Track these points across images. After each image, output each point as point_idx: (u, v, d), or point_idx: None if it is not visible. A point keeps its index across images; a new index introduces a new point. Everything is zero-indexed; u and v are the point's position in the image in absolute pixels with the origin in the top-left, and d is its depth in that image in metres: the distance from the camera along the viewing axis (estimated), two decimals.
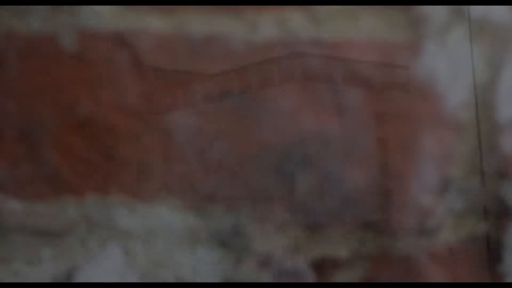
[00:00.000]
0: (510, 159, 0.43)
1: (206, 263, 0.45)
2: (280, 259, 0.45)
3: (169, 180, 0.44)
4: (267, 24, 0.42)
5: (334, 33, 0.42)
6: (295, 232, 0.45)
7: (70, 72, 0.43)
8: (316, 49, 0.42)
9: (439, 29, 0.42)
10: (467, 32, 0.42)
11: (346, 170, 0.43)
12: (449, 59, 0.42)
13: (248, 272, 0.45)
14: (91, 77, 0.43)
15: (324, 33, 0.42)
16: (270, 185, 0.43)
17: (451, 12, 0.41)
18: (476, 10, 0.41)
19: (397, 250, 0.45)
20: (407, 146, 0.43)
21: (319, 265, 0.46)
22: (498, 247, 0.45)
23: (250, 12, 0.42)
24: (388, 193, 0.43)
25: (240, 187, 0.44)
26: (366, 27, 0.42)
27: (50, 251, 0.45)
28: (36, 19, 0.42)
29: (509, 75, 0.42)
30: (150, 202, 0.44)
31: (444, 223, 0.45)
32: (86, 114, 0.43)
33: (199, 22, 0.42)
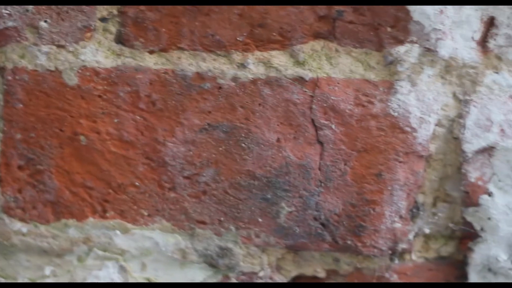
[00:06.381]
0: (474, 187, 0.46)
1: (195, 281, 0.49)
2: (263, 277, 0.48)
3: (161, 205, 0.47)
4: (254, 63, 0.45)
5: (315, 71, 0.45)
6: (278, 253, 0.48)
7: (71, 105, 0.46)
8: (298, 86, 0.45)
9: (411, 69, 0.45)
10: (436, 72, 0.45)
11: (324, 197, 0.46)
12: (420, 96, 0.45)
13: None
14: (91, 110, 0.46)
15: (306, 71, 0.45)
16: (255, 210, 0.47)
17: (421, 54, 0.44)
18: (444, 51, 0.44)
19: (370, 270, 0.48)
20: (381, 175, 0.46)
21: (299, 283, 0.49)
22: (463, 266, 0.48)
23: (238, 52, 0.45)
24: (363, 218, 0.46)
25: (227, 212, 0.47)
26: (345, 66, 0.45)
27: (52, 268, 0.49)
28: (42, 57, 0.45)
29: (474, 110, 0.45)
30: (144, 225, 0.48)
31: (414, 245, 0.48)
32: (86, 143, 0.46)
33: (191, 61, 0.45)
